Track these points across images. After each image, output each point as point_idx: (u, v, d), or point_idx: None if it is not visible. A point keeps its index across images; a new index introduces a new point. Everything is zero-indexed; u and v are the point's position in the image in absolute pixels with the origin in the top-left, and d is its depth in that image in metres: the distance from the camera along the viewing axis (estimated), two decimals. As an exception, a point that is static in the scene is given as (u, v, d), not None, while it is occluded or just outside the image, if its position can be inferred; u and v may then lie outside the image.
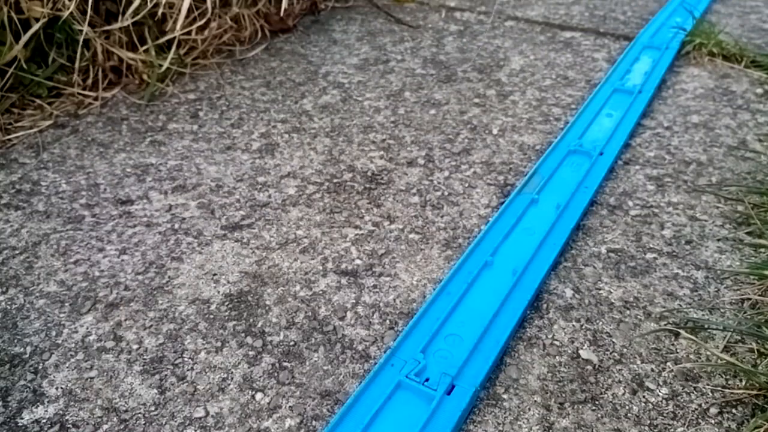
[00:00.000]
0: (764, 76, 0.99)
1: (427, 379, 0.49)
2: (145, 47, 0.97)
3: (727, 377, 0.51)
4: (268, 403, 0.49)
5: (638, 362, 0.52)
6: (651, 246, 0.65)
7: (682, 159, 0.79)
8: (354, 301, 0.59)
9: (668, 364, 0.52)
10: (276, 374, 0.51)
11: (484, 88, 0.98)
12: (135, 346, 0.54)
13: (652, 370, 0.51)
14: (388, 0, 1.35)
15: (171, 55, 0.98)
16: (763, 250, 0.64)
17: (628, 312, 0.57)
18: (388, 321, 0.56)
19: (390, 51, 1.12)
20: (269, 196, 0.73)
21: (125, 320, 0.57)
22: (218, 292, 0.60)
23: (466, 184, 0.75)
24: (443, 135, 0.85)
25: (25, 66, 0.87)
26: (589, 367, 0.52)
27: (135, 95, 0.96)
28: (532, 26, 1.22)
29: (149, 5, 0.94)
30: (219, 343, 0.54)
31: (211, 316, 0.57)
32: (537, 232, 0.65)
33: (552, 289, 0.60)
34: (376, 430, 0.45)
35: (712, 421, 0.47)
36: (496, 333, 0.53)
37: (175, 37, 0.99)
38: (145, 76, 0.97)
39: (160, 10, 0.95)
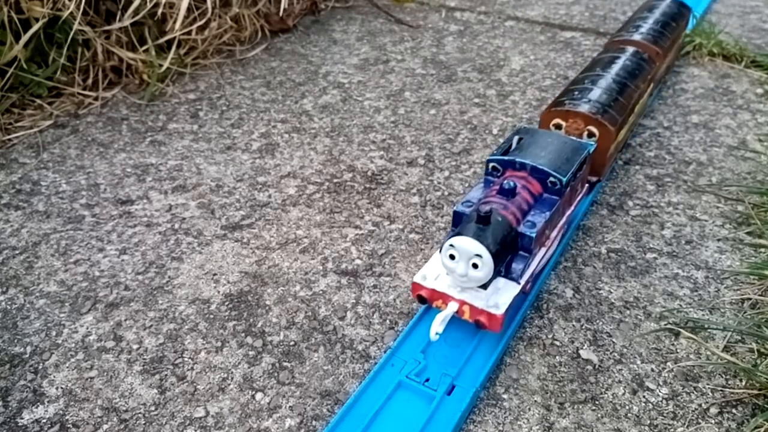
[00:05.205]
0: (764, 76, 0.99)
1: (427, 380, 0.49)
2: (145, 47, 0.97)
3: (727, 377, 0.51)
4: (268, 403, 0.49)
5: (638, 362, 0.52)
6: (651, 246, 0.65)
7: (682, 159, 0.79)
8: (354, 301, 0.59)
9: (668, 364, 0.52)
10: (276, 374, 0.51)
11: (484, 88, 0.98)
12: (135, 346, 0.54)
13: (652, 370, 0.51)
14: (388, 0, 1.35)
15: (171, 55, 0.98)
16: (763, 250, 0.64)
17: (628, 312, 0.57)
18: (388, 321, 0.56)
19: (390, 51, 1.12)
20: (269, 196, 0.73)
21: (125, 320, 0.57)
22: (218, 292, 0.60)
23: (467, 184, 0.75)
24: (443, 135, 0.85)
25: (25, 66, 0.87)
26: (589, 367, 0.52)
27: (135, 95, 0.96)
28: (532, 26, 1.22)
29: (149, 5, 0.94)
30: (219, 343, 0.54)
31: (211, 316, 0.57)
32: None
33: (552, 289, 0.60)
34: (376, 430, 0.45)
35: (712, 421, 0.47)
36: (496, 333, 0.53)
37: (175, 37, 0.99)
38: (145, 76, 0.97)
39: (160, 10, 0.95)
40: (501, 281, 0.50)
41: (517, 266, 0.50)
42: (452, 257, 0.47)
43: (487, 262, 0.46)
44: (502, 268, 0.49)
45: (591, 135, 0.63)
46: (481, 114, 0.90)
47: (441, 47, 1.13)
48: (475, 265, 0.46)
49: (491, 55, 1.09)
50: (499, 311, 0.47)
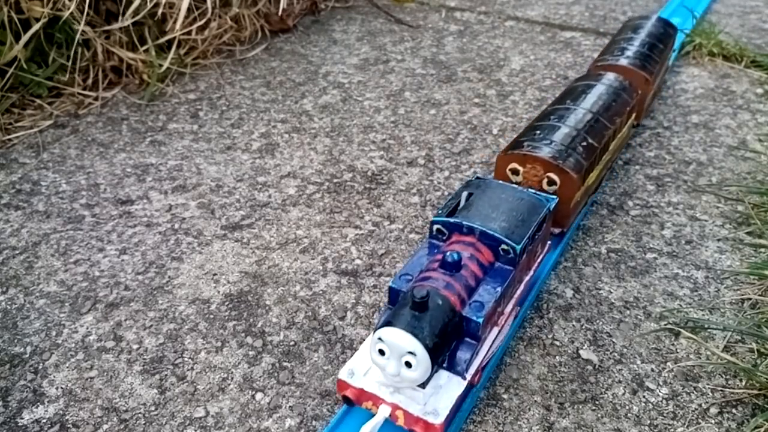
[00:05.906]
0: (764, 76, 0.99)
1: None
2: (145, 47, 0.97)
3: (727, 377, 0.51)
4: (268, 403, 0.49)
5: (638, 362, 0.52)
6: (651, 246, 0.65)
7: (682, 159, 0.79)
8: (354, 301, 0.59)
9: (668, 364, 0.52)
10: (276, 374, 0.51)
11: (484, 88, 0.98)
12: (135, 346, 0.54)
13: (652, 370, 0.51)
14: (388, 0, 1.35)
15: (171, 55, 0.98)
16: (763, 250, 0.64)
17: (628, 312, 0.57)
18: (388, 321, 0.56)
19: (390, 51, 1.12)
20: (269, 196, 0.73)
21: (125, 320, 0.57)
22: (218, 292, 0.60)
23: (466, 184, 0.75)
24: (443, 135, 0.85)
25: (25, 66, 0.87)
26: (589, 367, 0.52)
27: (135, 95, 0.96)
28: (532, 26, 1.22)
29: (149, 5, 0.94)
30: (219, 343, 0.54)
31: (211, 316, 0.57)
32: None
33: (552, 289, 0.60)
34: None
35: (712, 421, 0.47)
36: (495, 333, 0.52)
37: (175, 37, 0.99)
38: (145, 76, 0.97)
39: (160, 10, 0.95)
40: (443, 376, 0.41)
41: (462, 356, 0.41)
42: (382, 352, 0.38)
43: (422, 361, 0.37)
44: (446, 356, 0.41)
45: (552, 182, 0.56)
46: (481, 114, 0.90)
47: (441, 47, 1.13)
48: (408, 364, 0.37)
49: (491, 55, 1.09)
50: (438, 420, 0.39)
